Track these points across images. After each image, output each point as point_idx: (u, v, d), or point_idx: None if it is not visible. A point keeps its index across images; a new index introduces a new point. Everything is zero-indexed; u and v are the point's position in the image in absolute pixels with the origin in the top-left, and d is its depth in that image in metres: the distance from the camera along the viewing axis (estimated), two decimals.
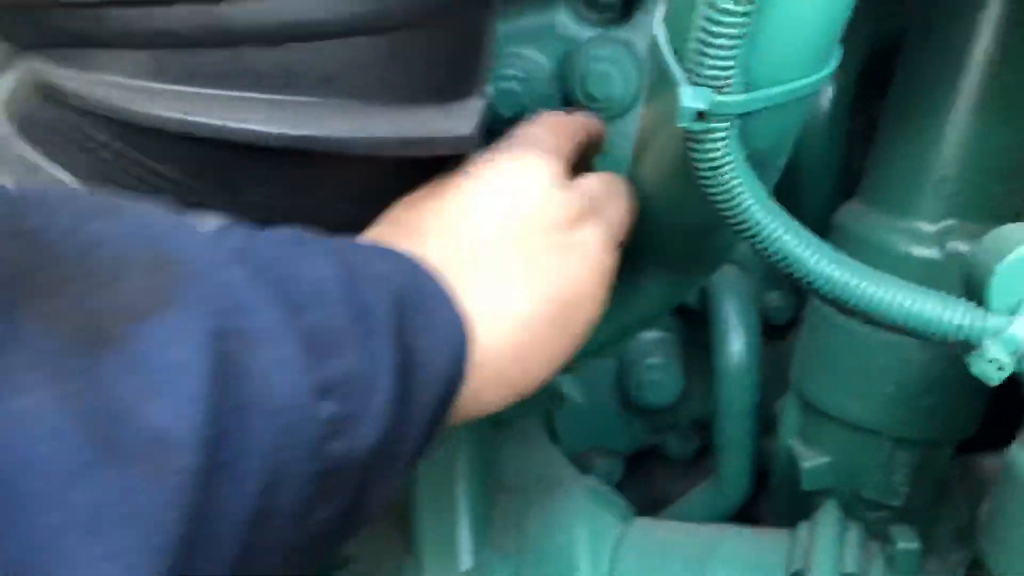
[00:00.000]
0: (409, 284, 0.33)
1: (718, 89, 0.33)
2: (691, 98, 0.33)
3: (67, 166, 0.38)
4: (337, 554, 0.57)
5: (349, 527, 0.32)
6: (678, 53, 0.35)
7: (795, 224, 0.37)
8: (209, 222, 0.29)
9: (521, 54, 0.64)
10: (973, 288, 0.38)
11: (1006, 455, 0.41)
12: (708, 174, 0.36)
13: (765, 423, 0.70)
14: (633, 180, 0.47)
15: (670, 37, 0.36)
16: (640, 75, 0.60)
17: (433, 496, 0.58)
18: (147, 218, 0.28)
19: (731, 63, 0.33)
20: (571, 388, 0.73)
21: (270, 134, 0.36)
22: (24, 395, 0.23)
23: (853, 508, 0.59)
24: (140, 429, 0.23)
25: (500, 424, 0.61)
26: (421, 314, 0.33)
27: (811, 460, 0.59)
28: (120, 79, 0.37)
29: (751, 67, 0.34)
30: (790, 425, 0.62)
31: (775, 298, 0.72)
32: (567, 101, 0.65)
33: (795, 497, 0.61)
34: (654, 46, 0.38)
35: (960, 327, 0.36)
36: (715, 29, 0.32)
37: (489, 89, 0.44)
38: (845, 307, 0.38)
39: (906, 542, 0.53)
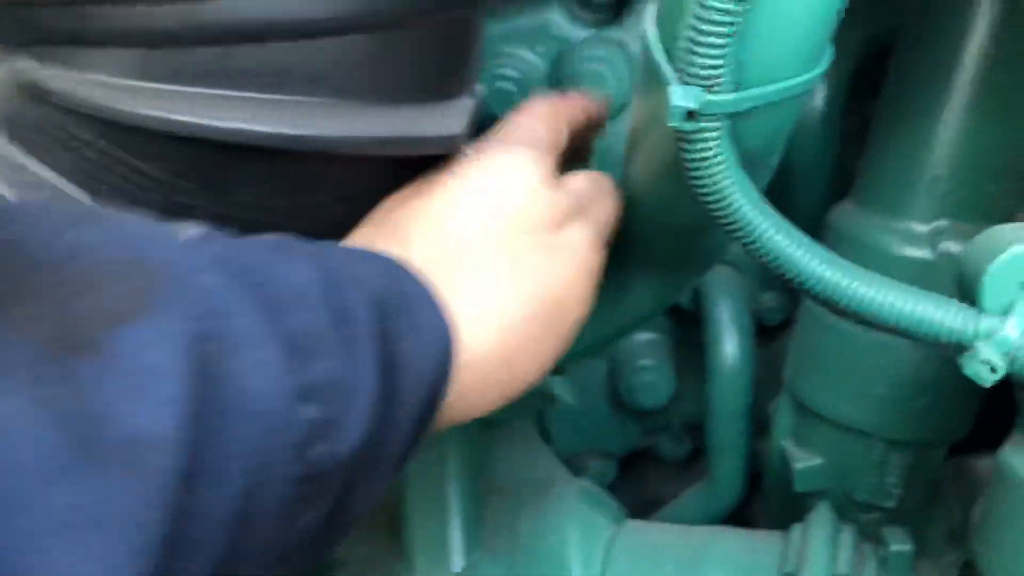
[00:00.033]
0: (392, 286, 0.33)
1: (709, 88, 0.33)
2: (681, 97, 0.33)
3: (52, 165, 0.38)
4: (327, 556, 0.57)
5: (335, 530, 0.32)
6: (669, 52, 0.35)
7: (787, 224, 0.37)
8: (190, 230, 0.29)
9: (515, 54, 0.64)
10: (965, 289, 0.38)
11: (997, 457, 0.41)
12: (699, 174, 0.35)
13: (759, 424, 0.69)
14: (625, 180, 0.47)
15: (661, 36, 0.36)
16: (633, 75, 0.60)
17: (424, 497, 0.57)
18: (127, 226, 0.28)
19: (721, 62, 0.32)
20: (563, 390, 0.73)
21: (257, 133, 0.35)
22: (2, 400, 0.23)
23: (846, 510, 0.59)
24: (119, 432, 0.23)
25: (491, 425, 0.61)
26: (404, 316, 0.33)
27: (804, 461, 0.59)
28: (105, 78, 0.36)
29: (742, 66, 0.33)
30: (783, 426, 0.62)
31: (768, 299, 0.71)
32: None
33: (788, 498, 0.61)
34: (645, 45, 0.38)
35: (952, 328, 0.36)
36: (705, 27, 0.32)
37: (480, 88, 0.44)
38: (837, 308, 0.38)
39: (899, 544, 0.53)
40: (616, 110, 0.63)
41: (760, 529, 0.58)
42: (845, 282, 0.37)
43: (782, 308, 0.72)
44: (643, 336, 0.73)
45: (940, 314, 0.36)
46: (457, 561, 0.57)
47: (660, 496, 0.78)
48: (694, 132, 0.34)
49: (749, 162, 0.36)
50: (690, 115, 0.34)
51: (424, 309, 0.34)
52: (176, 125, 0.36)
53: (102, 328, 0.24)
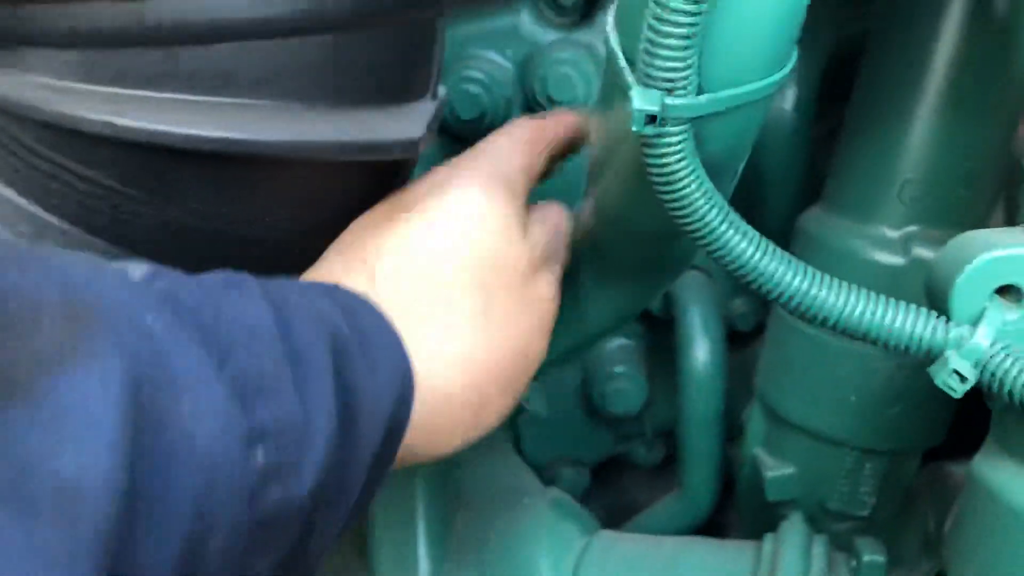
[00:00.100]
0: (351, 324, 0.33)
1: (670, 91, 0.32)
2: (642, 100, 0.32)
3: None
4: None
5: (292, 574, 0.31)
6: (630, 55, 0.34)
7: (752, 231, 0.36)
8: (137, 269, 0.28)
9: (483, 56, 0.64)
10: (935, 297, 0.38)
11: (970, 467, 0.40)
12: (662, 179, 0.34)
13: (732, 430, 0.69)
14: (591, 185, 0.46)
15: (621, 38, 0.35)
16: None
17: (391, 511, 0.56)
18: (66, 267, 0.27)
19: (681, 64, 0.31)
20: (535, 398, 0.72)
21: (204, 138, 0.34)
22: None
23: (819, 519, 0.59)
24: (49, 480, 0.23)
25: None
26: (363, 355, 0.32)
27: (776, 470, 0.58)
28: (47, 80, 0.35)
29: (704, 69, 0.33)
30: (755, 434, 0.61)
31: (740, 304, 0.71)
32: (528, 104, 0.64)
33: (761, 506, 0.60)
34: (607, 47, 0.37)
35: (922, 338, 0.35)
36: (664, 28, 0.31)
37: (442, 91, 0.43)
38: (805, 316, 0.37)
39: (872, 554, 0.52)
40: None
41: (735, 536, 0.57)
42: (813, 291, 0.36)
43: (754, 313, 0.71)
44: (614, 342, 0.72)
45: (909, 323, 0.35)
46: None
47: (634, 502, 0.77)
48: (656, 136, 0.33)
49: (713, 166, 0.35)
50: (652, 120, 0.33)
51: (384, 347, 0.34)
52: (121, 130, 0.34)
53: (35, 373, 0.23)
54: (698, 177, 0.34)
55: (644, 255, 0.48)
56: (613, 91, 0.38)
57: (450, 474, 0.59)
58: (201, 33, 0.34)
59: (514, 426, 0.74)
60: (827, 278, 0.37)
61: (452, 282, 0.36)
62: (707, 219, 0.35)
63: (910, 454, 0.58)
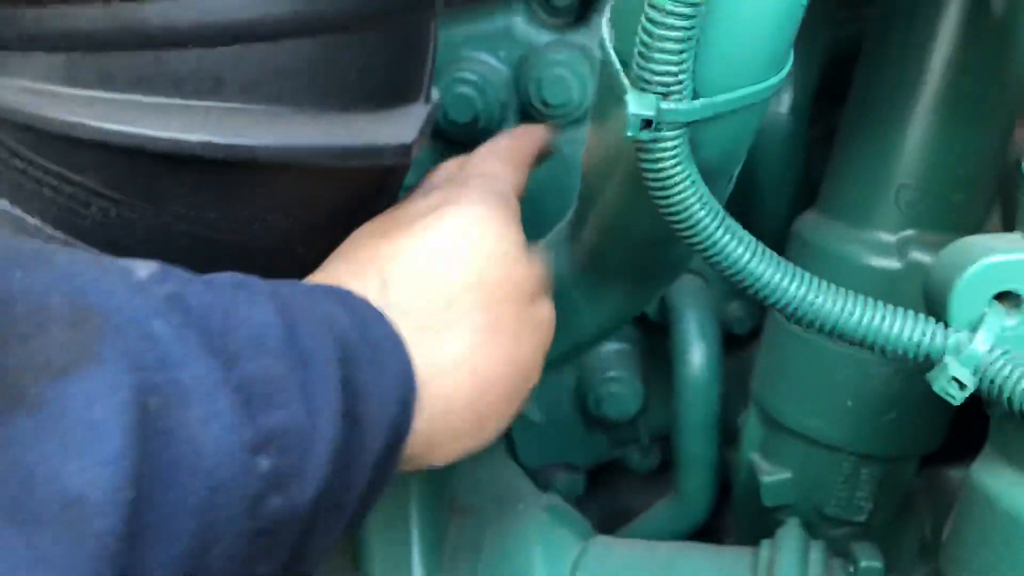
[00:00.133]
0: (358, 329, 0.32)
1: (665, 96, 0.32)
2: (637, 105, 0.32)
3: None
4: None
5: None
6: (624, 58, 0.34)
7: (748, 236, 0.36)
8: (144, 269, 0.28)
9: (477, 58, 0.63)
10: (933, 303, 0.37)
11: (968, 474, 0.40)
12: (657, 184, 0.34)
13: (728, 435, 0.68)
14: (586, 189, 0.46)
15: (616, 42, 0.35)
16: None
17: (384, 516, 0.56)
18: (71, 267, 0.26)
19: (676, 68, 0.31)
20: (530, 402, 0.72)
21: (192, 143, 0.34)
22: None
23: (815, 524, 0.58)
24: (54, 493, 0.22)
25: None
26: (370, 361, 0.32)
27: (772, 475, 0.58)
28: (32, 83, 0.35)
29: (700, 73, 0.32)
30: (751, 439, 0.61)
31: (736, 308, 0.70)
32: (523, 107, 0.63)
33: (757, 512, 0.60)
34: (601, 51, 0.36)
35: (920, 343, 0.35)
36: (659, 32, 0.30)
37: (435, 94, 0.42)
38: (801, 321, 0.37)
39: (869, 560, 0.52)
40: (580, 116, 0.62)
41: (731, 541, 0.57)
42: (810, 296, 0.36)
43: (750, 317, 0.71)
44: (610, 346, 0.72)
45: (907, 329, 0.35)
46: None
47: (631, 508, 0.77)
48: (651, 141, 0.33)
49: (709, 171, 0.35)
50: (648, 124, 0.32)
51: (391, 354, 0.33)
52: (107, 134, 0.34)
53: (40, 380, 0.23)
54: (694, 182, 0.34)
55: (639, 259, 0.47)
56: (608, 95, 0.38)
57: (444, 479, 0.59)
58: (188, 36, 0.33)
59: (509, 431, 0.74)
60: (824, 283, 0.36)
61: (463, 299, 0.37)
62: (703, 224, 0.35)
63: (907, 459, 0.57)
